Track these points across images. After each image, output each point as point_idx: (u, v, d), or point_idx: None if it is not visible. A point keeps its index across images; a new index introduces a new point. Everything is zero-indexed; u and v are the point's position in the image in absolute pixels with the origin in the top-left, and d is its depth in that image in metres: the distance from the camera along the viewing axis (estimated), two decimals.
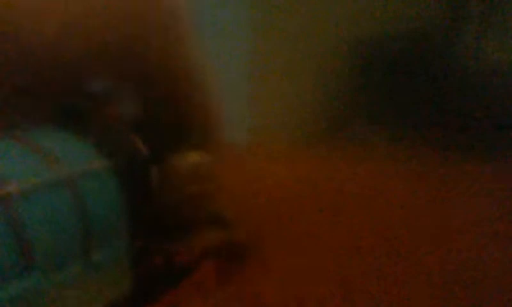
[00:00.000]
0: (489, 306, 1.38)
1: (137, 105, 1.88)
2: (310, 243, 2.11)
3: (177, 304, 1.59)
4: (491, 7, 4.64)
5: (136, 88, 1.83)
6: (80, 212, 1.51)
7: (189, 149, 1.92)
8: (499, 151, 3.89)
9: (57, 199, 1.46)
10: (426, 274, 1.58)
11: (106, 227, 1.60)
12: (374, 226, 2.31)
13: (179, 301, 1.63)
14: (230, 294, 1.66)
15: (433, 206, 2.64)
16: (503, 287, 1.49)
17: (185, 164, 1.84)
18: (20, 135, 1.58)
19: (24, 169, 1.44)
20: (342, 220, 2.39)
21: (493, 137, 4.13)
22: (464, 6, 4.81)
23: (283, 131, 4.51)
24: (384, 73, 4.89)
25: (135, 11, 1.67)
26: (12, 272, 1.28)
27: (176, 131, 1.93)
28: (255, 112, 4.85)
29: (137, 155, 1.84)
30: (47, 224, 1.40)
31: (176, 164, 1.84)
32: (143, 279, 1.76)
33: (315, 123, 4.72)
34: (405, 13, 4.78)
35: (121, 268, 1.65)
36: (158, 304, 1.65)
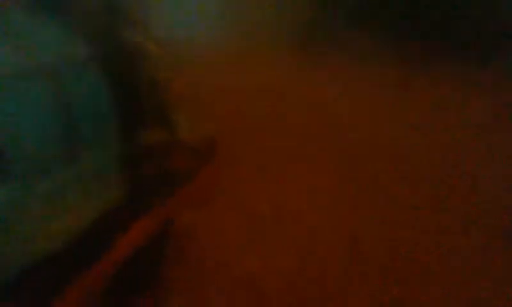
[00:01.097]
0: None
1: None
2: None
3: (170, 215, 1.58)
4: None
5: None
6: (64, 106, 1.26)
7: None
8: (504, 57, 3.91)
9: (36, 91, 1.19)
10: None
11: (95, 125, 1.35)
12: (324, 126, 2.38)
13: (172, 212, 1.57)
14: (223, 203, 1.68)
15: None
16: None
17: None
18: None
19: None
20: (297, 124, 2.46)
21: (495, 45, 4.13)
22: None
23: (263, 37, 4.36)
24: None
25: None
26: None
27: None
28: (232, 15, 4.62)
29: (124, 43, 1.63)
30: (24, 122, 1.14)
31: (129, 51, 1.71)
32: (136, 187, 1.60)
33: (297, 29, 4.58)
34: None
35: (110, 176, 1.44)
36: (151, 215, 1.55)
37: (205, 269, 1.44)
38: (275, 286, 1.27)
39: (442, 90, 3.27)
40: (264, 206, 1.72)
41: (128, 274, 1.51)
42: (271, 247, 1.50)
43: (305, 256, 1.45)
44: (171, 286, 1.44)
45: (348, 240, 1.58)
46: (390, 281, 1.39)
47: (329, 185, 1.89)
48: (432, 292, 1.40)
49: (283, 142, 2.26)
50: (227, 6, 4.35)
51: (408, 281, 1.41)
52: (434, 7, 4.14)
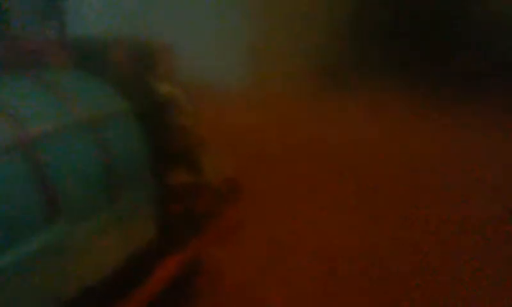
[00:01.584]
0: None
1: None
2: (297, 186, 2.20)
3: (198, 251, 1.65)
4: None
5: None
6: (104, 156, 1.40)
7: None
8: None
9: (80, 144, 1.33)
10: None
11: (130, 173, 1.48)
12: (357, 172, 2.40)
13: (200, 248, 1.66)
14: (246, 237, 1.75)
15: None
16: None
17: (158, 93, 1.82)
18: (36, 74, 1.43)
19: (44, 111, 1.29)
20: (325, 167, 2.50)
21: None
22: None
23: (278, 81, 4.51)
24: (386, 16, 4.77)
25: None
26: (37, 223, 1.16)
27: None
28: (252, 61, 4.82)
29: (154, 97, 1.77)
30: (70, 169, 1.27)
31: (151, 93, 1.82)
32: (165, 227, 1.72)
33: (310, 73, 4.71)
34: None
35: (144, 216, 1.56)
36: (182, 252, 1.64)
37: (229, 294, 1.47)
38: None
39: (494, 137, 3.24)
40: (284, 237, 1.76)
41: None
42: (290, 274, 1.52)
43: (324, 282, 1.46)
44: None
45: (364, 271, 1.57)
46: None
47: (353, 220, 1.91)
48: None
49: (309, 181, 2.31)
50: (251, 49, 4.54)
51: None
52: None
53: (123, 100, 1.56)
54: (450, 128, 3.85)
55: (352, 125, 3.30)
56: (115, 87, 1.64)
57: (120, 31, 4.37)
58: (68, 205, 1.28)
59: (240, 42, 4.46)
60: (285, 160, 2.64)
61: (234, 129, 3.02)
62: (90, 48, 2.21)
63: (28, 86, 1.36)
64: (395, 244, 1.76)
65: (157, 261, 1.63)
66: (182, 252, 1.65)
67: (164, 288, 1.54)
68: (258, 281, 1.47)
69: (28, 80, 1.39)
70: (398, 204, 2.10)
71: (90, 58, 2.18)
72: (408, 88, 4.19)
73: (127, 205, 1.50)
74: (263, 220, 1.91)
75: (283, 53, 4.53)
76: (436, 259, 1.67)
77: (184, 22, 4.66)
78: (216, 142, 1.96)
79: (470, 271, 1.61)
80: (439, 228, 1.82)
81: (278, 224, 1.86)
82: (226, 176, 1.82)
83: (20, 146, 1.15)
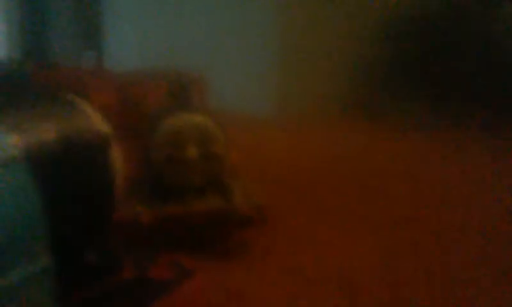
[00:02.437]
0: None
1: None
2: (325, 218, 2.16)
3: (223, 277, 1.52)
4: None
5: None
6: None
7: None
8: None
9: None
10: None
11: (25, 237, 1.06)
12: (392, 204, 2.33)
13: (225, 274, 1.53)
14: (271, 265, 1.63)
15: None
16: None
17: (185, 124, 1.79)
18: None
19: None
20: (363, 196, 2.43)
21: None
22: None
23: (310, 109, 4.55)
24: (417, 47, 4.79)
25: None
26: None
27: None
28: (283, 85, 4.89)
29: (91, 134, 1.28)
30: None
31: (176, 123, 1.78)
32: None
33: (342, 97, 4.73)
34: None
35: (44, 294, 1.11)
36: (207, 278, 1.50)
37: None
38: None
39: None
40: (309, 266, 1.70)
41: None
42: (315, 302, 1.46)
43: None
44: None
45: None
46: None
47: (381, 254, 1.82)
48: None
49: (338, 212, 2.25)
50: (283, 78, 4.60)
51: None
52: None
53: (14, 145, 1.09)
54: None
55: (382, 154, 3.22)
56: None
57: (153, 63, 4.51)
58: None
59: (270, 67, 4.51)
60: (315, 187, 2.60)
61: (265, 156, 3.01)
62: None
63: None
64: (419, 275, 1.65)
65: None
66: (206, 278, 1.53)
67: None
68: None
69: None
70: (427, 233, 1.99)
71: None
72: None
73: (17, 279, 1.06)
74: (289, 248, 1.81)
75: (315, 82, 4.53)
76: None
77: (214, 52, 4.75)
78: (246, 170, 1.94)
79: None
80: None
81: (304, 252, 1.76)
82: (255, 203, 1.79)
83: None
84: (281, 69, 4.62)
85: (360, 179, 2.78)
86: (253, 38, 4.62)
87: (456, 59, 4.40)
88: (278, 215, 2.10)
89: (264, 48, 4.63)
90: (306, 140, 3.82)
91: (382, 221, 2.13)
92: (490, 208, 2.26)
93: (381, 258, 1.76)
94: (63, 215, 1.13)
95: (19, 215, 1.03)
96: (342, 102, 4.43)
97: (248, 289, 1.54)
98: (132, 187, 1.61)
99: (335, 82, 4.60)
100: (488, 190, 2.54)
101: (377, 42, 4.62)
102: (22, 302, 1.04)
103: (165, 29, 5.23)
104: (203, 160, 1.80)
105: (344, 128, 4.05)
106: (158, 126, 1.84)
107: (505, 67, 4.35)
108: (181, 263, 1.56)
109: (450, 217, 2.16)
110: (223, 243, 1.80)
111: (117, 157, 1.31)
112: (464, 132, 3.98)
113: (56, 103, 1.35)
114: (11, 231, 1.00)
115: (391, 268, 1.66)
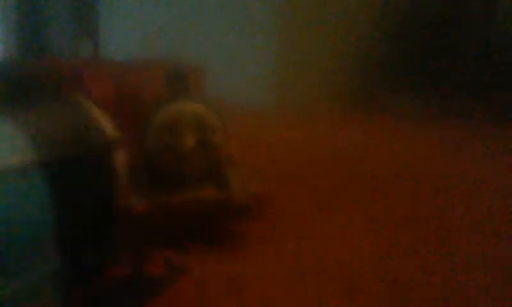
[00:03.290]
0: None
1: None
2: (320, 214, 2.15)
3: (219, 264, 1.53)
4: None
5: None
6: None
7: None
8: None
9: None
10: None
11: (29, 243, 1.08)
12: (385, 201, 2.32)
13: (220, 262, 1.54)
14: (269, 254, 1.62)
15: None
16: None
17: (182, 112, 1.75)
18: None
19: None
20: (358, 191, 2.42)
21: None
22: None
23: (308, 99, 4.54)
24: (417, 38, 4.77)
25: None
26: None
27: None
28: (282, 77, 4.88)
29: (98, 137, 1.31)
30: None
31: (173, 112, 1.74)
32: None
33: (342, 92, 4.71)
34: None
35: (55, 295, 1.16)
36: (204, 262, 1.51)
37: None
38: None
39: None
40: (307, 254, 1.69)
41: None
42: (311, 291, 1.45)
43: (343, 298, 1.39)
44: None
45: (390, 289, 1.47)
46: None
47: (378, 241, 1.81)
48: None
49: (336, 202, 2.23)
50: (282, 67, 4.57)
51: None
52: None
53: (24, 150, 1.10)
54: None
55: (382, 150, 3.20)
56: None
57: (151, 51, 4.48)
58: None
59: (270, 60, 4.48)
60: (314, 177, 2.59)
61: (263, 147, 2.99)
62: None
63: None
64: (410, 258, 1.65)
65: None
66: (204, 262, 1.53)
67: None
68: (278, 298, 1.42)
69: None
70: (428, 228, 1.97)
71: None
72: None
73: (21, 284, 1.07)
74: (288, 238, 1.79)
75: (314, 72, 4.51)
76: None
77: (214, 41, 4.72)
78: (244, 159, 1.93)
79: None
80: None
81: (302, 241, 1.75)
82: (253, 192, 1.77)
83: None
84: (281, 61, 4.59)
85: (359, 172, 2.78)
86: (253, 30, 4.59)
87: (458, 56, 4.39)
88: (276, 205, 2.09)
89: (265, 39, 4.60)
90: (305, 132, 3.82)
91: (382, 216, 2.13)
92: (490, 208, 2.25)
93: (380, 252, 1.75)
94: (70, 217, 1.15)
95: (35, 217, 1.05)
96: (342, 96, 4.42)
97: (246, 280, 1.54)
98: (128, 176, 1.60)
99: (336, 76, 4.59)
100: (488, 189, 2.53)
101: (378, 39, 4.60)
102: (39, 301, 1.06)
103: (163, 19, 5.19)
104: (200, 149, 1.79)
105: (344, 121, 4.05)
106: (154, 114, 1.82)
107: (506, 64, 4.34)
108: (175, 260, 1.54)
109: (450, 217, 2.15)
110: (220, 233, 1.79)
111: (121, 160, 1.34)
112: (466, 131, 3.99)
113: (63, 104, 1.35)
114: (27, 233, 1.02)
115: (390, 262, 1.66)
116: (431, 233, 1.94)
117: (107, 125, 1.33)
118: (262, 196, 1.80)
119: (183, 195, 1.78)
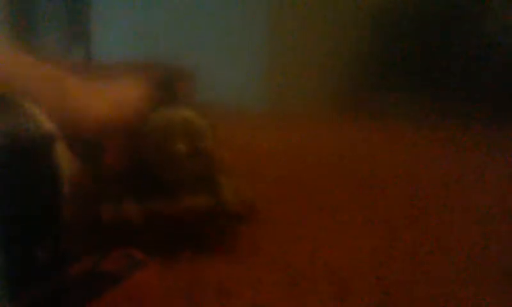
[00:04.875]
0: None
1: None
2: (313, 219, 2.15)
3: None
4: None
5: None
6: None
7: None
8: None
9: None
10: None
11: None
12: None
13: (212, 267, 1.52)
14: (260, 260, 1.63)
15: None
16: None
17: (172, 118, 1.73)
18: None
19: None
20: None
21: None
22: None
23: (298, 100, 4.55)
24: (406, 39, 4.80)
25: None
26: None
27: None
28: (276, 78, 4.87)
29: (34, 133, 1.45)
30: None
31: (163, 118, 1.73)
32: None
33: (337, 94, 4.72)
34: None
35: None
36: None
37: None
38: None
39: None
40: (299, 260, 1.70)
41: None
42: (302, 298, 1.46)
43: (334, 303, 1.39)
44: None
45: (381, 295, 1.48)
46: None
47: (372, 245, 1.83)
48: None
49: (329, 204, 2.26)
50: (272, 71, 4.61)
51: None
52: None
53: None
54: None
55: (373, 147, 3.23)
56: None
57: (142, 55, 4.48)
58: None
59: (261, 64, 4.51)
60: (304, 182, 2.60)
61: (254, 151, 3.00)
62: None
63: None
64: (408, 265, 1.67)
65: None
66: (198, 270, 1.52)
67: None
68: (269, 303, 1.41)
69: None
70: (420, 229, 1.99)
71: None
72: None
73: None
74: (279, 243, 1.86)
75: (303, 75, 4.56)
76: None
77: (206, 44, 4.74)
78: (235, 165, 1.92)
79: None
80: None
81: (294, 246, 1.82)
82: (244, 198, 1.77)
83: None
84: (273, 64, 4.60)
85: (355, 175, 2.77)
86: (244, 32, 4.58)
87: (454, 57, 4.44)
88: (269, 211, 2.09)
89: (256, 41, 4.60)
90: (298, 137, 3.82)
91: (379, 217, 2.13)
92: (490, 208, 2.26)
93: (376, 256, 1.76)
94: (11, 215, 1.09)
95: None
96: (336, 98, 4.44)
97: (237, 286, 1.53)
98: (120, 183, 1.60)
99: (330, 78, 4.60)
100: (488, 189, 2.54)
101: (373, 38, 4.63)
102: None
103: (155, 21, 5.17)
104: (191, 156, 1.77)
105: (339, 125, 4.07)
106: (144, 120, 1.81)
107: (503, 64, 4.40)
108: (133, 255, 1.53)
109: (450, 217, 2.16)
110: (212, 240, 1.78)
111: (62, 154, 1.28)
112: (465, 131, 4.02)
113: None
114: None
115: (387, 267, 1.66)
116: (431, 233, 1.96)
117: (44, 121, 1.26)
118: (254, 202, 1.80)
119: (174, 202, 1.76)
